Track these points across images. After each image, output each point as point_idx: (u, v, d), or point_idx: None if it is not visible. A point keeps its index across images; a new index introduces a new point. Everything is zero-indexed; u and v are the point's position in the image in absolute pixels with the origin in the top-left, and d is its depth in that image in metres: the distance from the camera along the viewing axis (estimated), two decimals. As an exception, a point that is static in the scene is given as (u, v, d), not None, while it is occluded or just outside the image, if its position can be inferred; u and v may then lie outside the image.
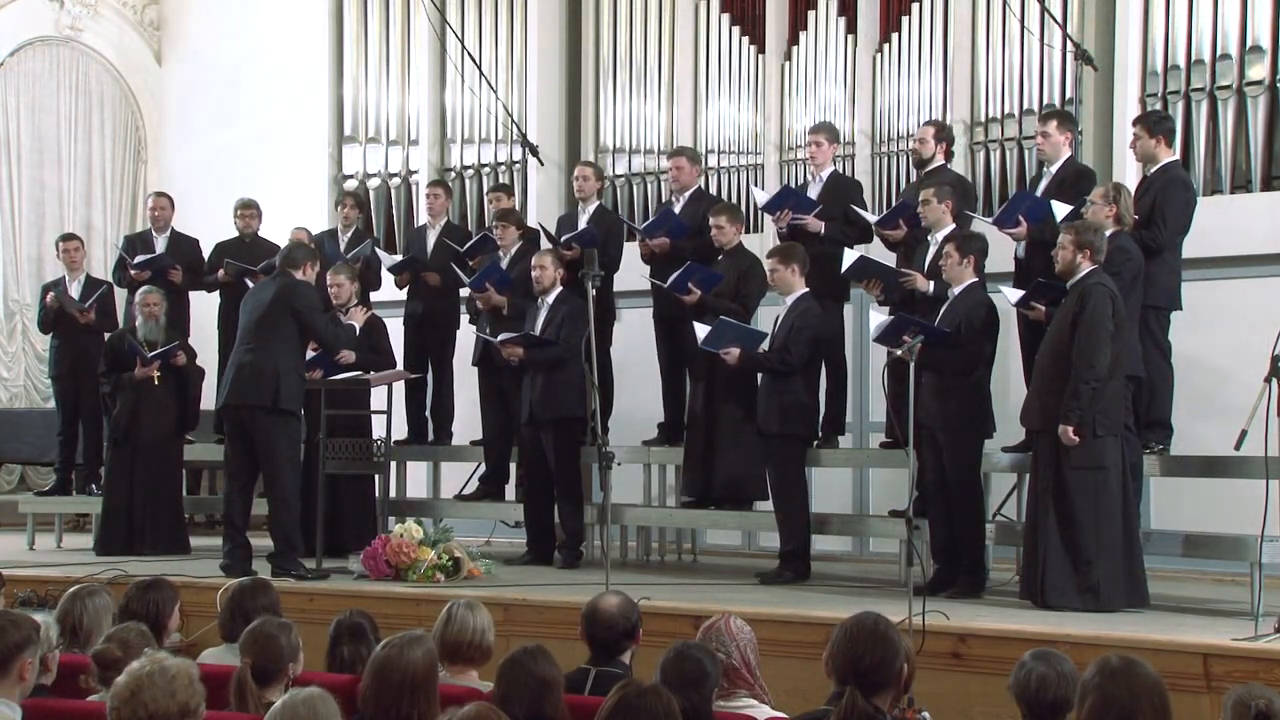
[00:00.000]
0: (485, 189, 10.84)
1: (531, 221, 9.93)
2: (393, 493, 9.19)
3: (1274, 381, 5.79)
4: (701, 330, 7.83)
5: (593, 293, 7.22)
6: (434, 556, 7.72)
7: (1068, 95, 8.73)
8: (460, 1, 11.29)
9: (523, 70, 11.05)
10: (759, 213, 9.45)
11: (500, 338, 8.42)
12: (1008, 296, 7.29)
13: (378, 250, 10.12)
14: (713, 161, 10.25)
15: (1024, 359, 7.60)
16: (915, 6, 9.54)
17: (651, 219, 8.98)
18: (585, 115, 10.89)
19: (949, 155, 8.40)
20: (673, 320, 8.55)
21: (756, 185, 9.71)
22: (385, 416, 8.59)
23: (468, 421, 9.63)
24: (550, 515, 8.49)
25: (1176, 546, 7.33)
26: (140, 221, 12.47)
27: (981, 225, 7.81)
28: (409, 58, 11.65)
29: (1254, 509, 6.01)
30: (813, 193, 8.47)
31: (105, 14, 12.98)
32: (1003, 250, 7.74)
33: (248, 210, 10.25)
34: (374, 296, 9.96)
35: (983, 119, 9.27)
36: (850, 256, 7.92)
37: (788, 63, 10.12)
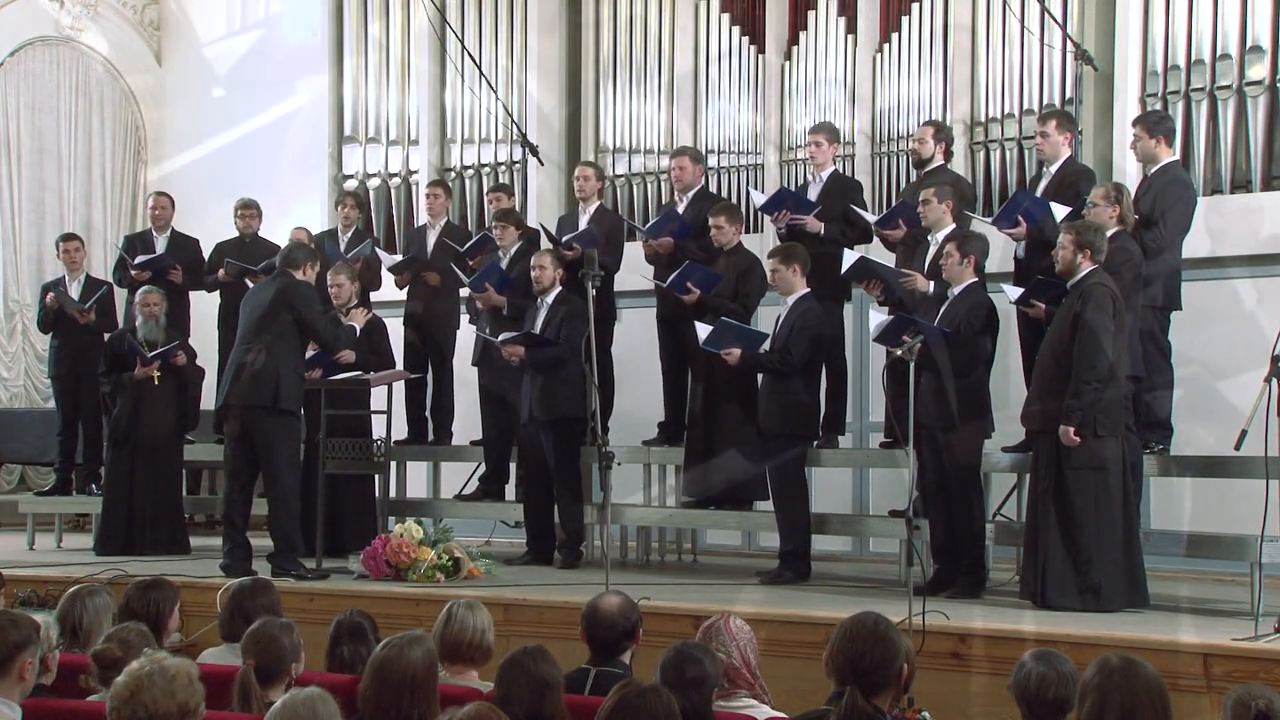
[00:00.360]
0: (485, 189, 10.83)
1: (531, 221, 9.92)
2: (393, 493, 9.19)
3: (1274, 381, 5.79)
4: (703, 330, 7.82)
5: (593, 293, 7.22)
6: (434, 556, 7.72)
7: (1068, 95, 8.72)
8: (460, 1, 11.29)
9: (523, 70, 11.04)
10: (759, 213, 9.44)
11: (501, 338, 8.41)
12: (1008, 294, 7.29)
13: (378, 250, 10.11)
14: (713, 162, 10.23)
15: (1024, 359, 7.60)
16: (915, 7, 9.53)
17: (656, 219, 8.97)
18: (585, 115, 10.88)
19: (948, 155, 8.41)
20: (675, 320, 8.54)
21: (755, 188, 9.69)
22: (385, 416, 8.60)
23: (468, 421, 9.63)
24: (550, 515, 8.48)
25: (1177, 546, 7.33)
26: (140, 221, 12.48)
27: (981, 225, 7.82)
28: (409, 58, 11.64)
29: (1254, 509, 6.01)
30: (813, 193, 8.47)
31: (105, 14, 12.97)
32: (1003, 250, 7.75)
33: (248, 210, 10.26)
34: (374, 296, 9.96)
35: (983, 119, 9.26)
36: (850, 257, 7.92)
37: (788, 63, 10.11)
